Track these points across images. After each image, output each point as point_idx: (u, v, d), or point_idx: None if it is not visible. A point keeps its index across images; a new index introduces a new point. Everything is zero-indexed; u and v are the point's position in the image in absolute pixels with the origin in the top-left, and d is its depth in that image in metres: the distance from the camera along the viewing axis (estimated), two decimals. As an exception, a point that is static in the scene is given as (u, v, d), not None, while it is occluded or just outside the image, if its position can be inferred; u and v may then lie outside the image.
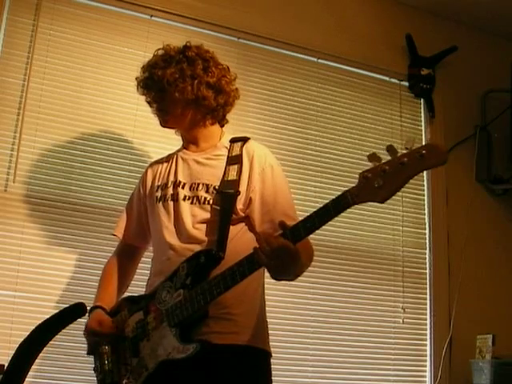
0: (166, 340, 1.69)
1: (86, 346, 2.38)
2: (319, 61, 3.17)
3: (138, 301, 1.85)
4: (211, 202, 1.80)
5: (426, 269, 3.16)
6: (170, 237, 1.83)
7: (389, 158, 1.47)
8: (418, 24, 3.40)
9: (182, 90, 1.85)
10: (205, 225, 1.80)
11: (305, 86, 3.11)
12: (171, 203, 1.87)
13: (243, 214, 1.82)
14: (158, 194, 1.92)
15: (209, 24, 2.88)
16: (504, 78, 3.41)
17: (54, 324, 1.81)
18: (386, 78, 3.32)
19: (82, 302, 1.84)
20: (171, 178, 1.92)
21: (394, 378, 2.97)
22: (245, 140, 1.92)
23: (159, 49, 1.98)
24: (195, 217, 1.81)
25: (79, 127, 2.61)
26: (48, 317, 1.84)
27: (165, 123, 1.98)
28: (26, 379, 1.73)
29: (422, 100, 3.37)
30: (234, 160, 1.85)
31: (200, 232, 1.79)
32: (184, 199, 1.84)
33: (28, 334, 1.78)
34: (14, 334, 2.27)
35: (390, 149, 1.47)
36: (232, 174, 1.82)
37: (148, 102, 2.01)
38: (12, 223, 2.45)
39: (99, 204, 2.58)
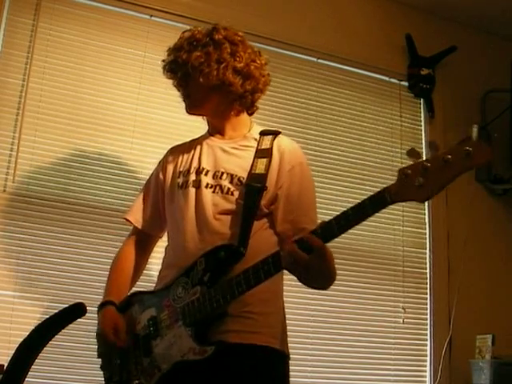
0: (181, 340, 1.62)
1: (85, 346, 2.40)
2: (319, 61, 3.17)
3: (151, 296, 1.77)
4: (235, 193, 1.72)
5: (426, 268, 3.16)
6: (189, 226, 1.73)
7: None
8: (417, 24, 3.40)
9: (207, 74, 1.75)
10: (226, 216, 1.71)
11: (305, 86, 3.11)
12: (193, 190, 1.77)
13: (266, 211, 1.73)
14: (180, 180, 1.82)
15: (208, 24, 2.85)
16: (504, 78, 3.41)
17: (53, 324, 1.80)
18: (386, 78, 3.33)
19: (81, 302, 1.84)
20: (194, 164, 1.82)
21: (394, 377, 2.97)
22: (276, 134, 1.84)
23: (186, 31, 1.87)
24: (216, 206, 1.72)
25: (79, 127, 2.61)
26: (47, 317, 1.83)
27: (190, 109, 1.87)
28: (26, 379, 1.73)
29: (421, 100, 3.37)
30: (263, 153, 1.77)
31: (221, 223, 1.70)
32: (206, 187, 1.75)
33: (27, 334, 1.77)
34: (14, 334, 2.27)
35: (432, 145, 1.38)
36: (260, 168, 1.73)
37: (175, 86, 1.90)
38: (11, 223, 2.45)
39: (99, 204, 2.58)
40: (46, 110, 2.57)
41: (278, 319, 1.74)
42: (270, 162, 1.74)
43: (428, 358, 3.04)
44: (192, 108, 1.87)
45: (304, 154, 1.85)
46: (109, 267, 2.50)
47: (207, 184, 1.76)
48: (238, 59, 1.79)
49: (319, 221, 1.53)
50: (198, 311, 1.60)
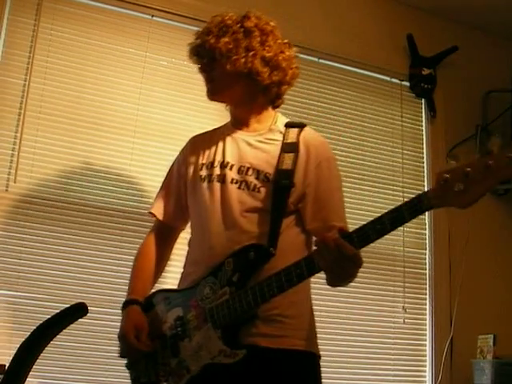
0: (211, 342, 1.58)
1: (86, 346, 2.41)
2: (320, 61, 3.17)
3: (176, 294, 1.73)
4: (261, 190, 1.67)
5: (426, 269, 3.16)
6: (215, 223, 1.68)
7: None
8: (419, 24, 3.40)
9: (234, 62, 1.70)
10: (253, 214, 1.66)
11: (306, 85, 3.11)
12: (217, 184, 1.71)
13: (293, 208, 1.68)
14: (203, 172, 1.76)
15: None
16: (505, 78, 3.41)
17: (54, 324, 1.80)
18: (387, 78, 3.33)
19: (83, 302, 1.83)
20: (218, 157, 1.76)
21: (394, 377, 2.97)
22: (301, 127, 1.78)
23: (216, 15, 1.80)
24: (243, 204, 1.66)
25: (80, 127, 2.62)
26: (49, 317, 1.83)
27: (212, 95, 1.80)
28: (27, 379, 1.73)
29: (422, 100, 3.37)
30: (290, 148, 1.70)
31: (248, 221, 1.65)
32: (231, 182, 1.70)
33: (29, 334, 1.77)
34: (15, 334, 2.27)
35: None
36: (287, 163, 1.67)
37: (199, 71, 1.83)
38: (13, 223, 2.45)
39: (99, 204, 2.58)
40: (47, 109, 2.58)
41: (308, 320, 1.72)
42: (296, 157, 1.69)
43: (428, 359, 3.04)
44: (214, 93, 1.80)
45: (330, 148, 1.81)
46: (110, 267, 2.53)
47: (232, 179, 1.71)
48: (267, 49, 1.73)
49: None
50: (228, 313, 1.57)
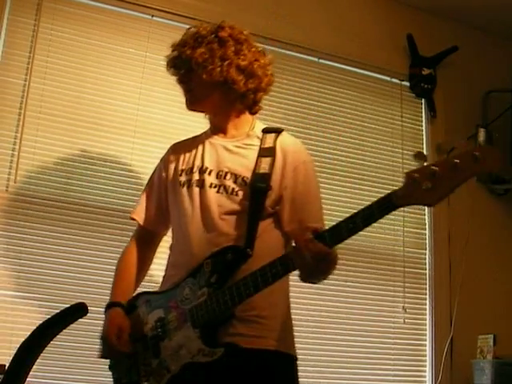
0: (190, 341, 1.63)
1: (86, 346, 2.40)
2: (320, 61, 3.17)
3: (157, 296, 1.77)
4: (239, 193, 1.72)
5: (426, 269, 3.16)
6: (194, 227, 1.73)
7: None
8: (419, 24, 3.40)
9: (211, 71, 1.75)
10: (231, 217, 1.71)
11: (305, 85, 3.11)
12: (197, 189, 1.76)
13: (271, 210, 1.74)
14: (183, 178, 1.81)
15: (210, 24, 2.86)
16: (505, 78, 3.41)
17: (55, 324, 1.80)
18: (387, 78, 3.33)
19: (83, 302, 1.84)
20: (197, 162, 1.82)
21: (394, 377, 2.97)
22: (278, 132, 1.82)
23: (191, 27, 1.88)
24: (221, 207, 1.72)
25: (80, 127, 2.62)
26: (49, 317, 1.83)
27: (191, 105, 1.86)
28: (27, 379, 1.73)
29: (422, 100, 3.37)
30: (267, 152, 1.76)
31: (226, 224, 1.71)
32: (210, 186, 1.75)
33: (29, 334, 1.78)
34: (15, 334, 2.27)
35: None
36: (264, 167, 1.73)
37: (177, 82, 1.90)
38: (13, 223, 2.45)
39: (99, 204, 2.58)
40: (47, 109, 2.58)
41: (285, 321, 1.74)
42: (273, 161, 1.74)
43: (428, 359, 3.04)
44: (192, 103, 1.86)
45: (307, 152, 1.86)
46: (110, 267, 2.50)
47: (211, 184, 1.75)
48: (242, 57, 1.78)
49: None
50: (206, 313, 1.61)
